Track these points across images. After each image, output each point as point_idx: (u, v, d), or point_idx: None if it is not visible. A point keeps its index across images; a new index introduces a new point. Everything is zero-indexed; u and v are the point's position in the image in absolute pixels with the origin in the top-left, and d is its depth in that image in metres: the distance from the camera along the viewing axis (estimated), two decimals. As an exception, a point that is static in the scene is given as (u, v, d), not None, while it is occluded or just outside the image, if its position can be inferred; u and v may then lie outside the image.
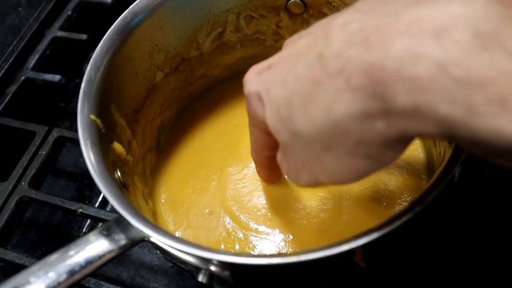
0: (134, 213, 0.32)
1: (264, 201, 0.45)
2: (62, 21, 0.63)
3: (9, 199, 0.49)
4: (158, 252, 0.44)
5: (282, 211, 0.44)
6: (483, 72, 0.20)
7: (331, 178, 0.29)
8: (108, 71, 0.39)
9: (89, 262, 0.31)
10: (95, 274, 0.45)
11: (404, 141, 0.25)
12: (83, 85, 0.37)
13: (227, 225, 0.44)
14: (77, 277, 0.30)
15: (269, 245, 0.42)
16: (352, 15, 0.26)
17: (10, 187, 0.50)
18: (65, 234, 0.53)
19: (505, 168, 0.23)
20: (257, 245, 0.42)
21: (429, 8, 0.22)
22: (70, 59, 0.62)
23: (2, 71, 0.59)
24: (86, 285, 0.44)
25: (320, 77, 0.25)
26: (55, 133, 0.54)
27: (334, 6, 0.46)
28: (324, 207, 0.44)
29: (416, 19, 0.22)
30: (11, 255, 0.46)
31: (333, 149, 0.26)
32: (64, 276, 0.30)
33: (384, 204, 0.44)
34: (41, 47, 0.61)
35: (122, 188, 0.37)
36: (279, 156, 0.32)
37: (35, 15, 0.63)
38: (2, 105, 0.57)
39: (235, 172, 0.47)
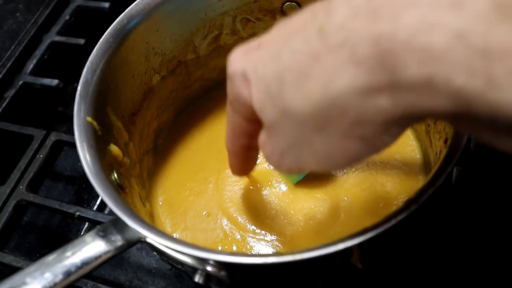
0: (130, 214, 0.32)
1: (262, 203, 0.45)
2: (59, 26, 0.63)
3: (7, 202, 0.50)
4: (155, 254, 0.44)
5: (279, 212, 0.44)
6: (505, 42, 0.19)
7: (317, 163, 0.27)
8: (105, 73, 0.40)
9: (85, 263, 0.31)
10: (93, 276, 0.45)
11: (404, 122, 0.24)
12: (79, 87, 0.38)
13: (225, 227, 0.44)
14: (73, 277, 0.30)
15: (266, 247, 0.42)
16: None
17: (8, 191, 0.50)
18: (63, 237, 0.53)
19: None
20: (254, 246, 0.42)
21: None
22: (68, 63, 0.62)
23: (0, 76, 0.59)
24: (84, 287, 0.44)
25: (319, 51, 0.23)
26: (53, 137, 0.54)
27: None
28: (321, 209, 0.44)
29: None
30: (8, 258, 0.46)
31: (326, 128, 0.25)
32: (60, 277, 0.30)
33: (381, 205, 0.44)
34: (39, 52, 0.61)
35: (119, 190, 0.37)
36: (262, 138, 0.30)
37: (33, 20, 0.63)
38: (0, 110, 0.57)
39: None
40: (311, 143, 0.26)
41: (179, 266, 0.34)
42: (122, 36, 0.41)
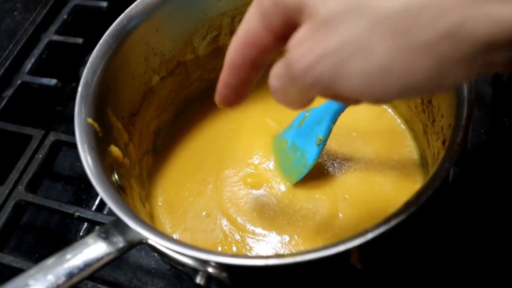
0: (131, 216, 0.32)
1: (261, 203, 0.45)
2: (58, 25, 0.63)
3: (6, 203, 0.50)
4: (155, 255, 0.44)
5: (278, 213, 0.44)
6: None
7: (361, 80, 0.22)
8: (105, 74, 0.40)
9: (87, 265, 0.31)
10: (92, 277, 0.45)
11: (498, 56, 0.20)
12: (80, 88, 0.38)
13: (224, 227, 0.44)
14: (75, 279, 0.30)
15: (266, 247, 0.42)
16: None
17: (7, 191, 0.50)
18: (62, 237, 0.53)
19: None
20: (254, 247, 0.43)
21: None
22: (66, 63, 0.62)
23: (-1, 75, 0.59)
24: (84, 288, 0.44)
25: None
26: (51, 137, 0.54)
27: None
28: (320, 209, 0.44)
29: None
30: (8, 259, 0.46)
31: (406, 35, 0.20)
32: (62, 279, 0.30)
33: (380, 205, 0.44)
34: (37, 51, 0.61)
35: (120, 191, 0.37)
36: (299, 35, 0.23)
37: (31, 19, 0.63)
38: (-1, 109, 0.57)
39: (232, 174, 0.47)
40: (374, 50, 0.21)
41: (180, 268, 0.34)
42: (122, 36, 0.41)
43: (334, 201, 0.45)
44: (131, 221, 0.32)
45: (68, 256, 0.31)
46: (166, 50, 0.46)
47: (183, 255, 0.31)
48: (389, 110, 0.50)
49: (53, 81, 0.58)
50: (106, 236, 0.32)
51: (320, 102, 0.44)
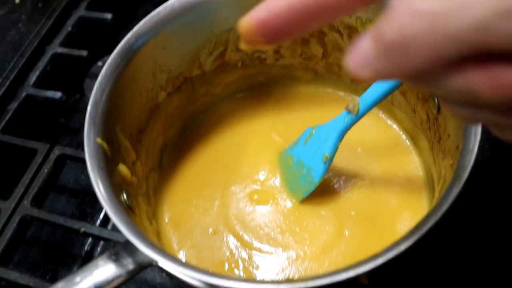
0: (142, 238, 0.32)
1: (267, 220, 0.45)
2: (62, 37, 0.63)
3: (12, 218, 0.49)
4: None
5: (285, 230, 0.44)
6: None
7: None
8: (114, 92, 0.40)
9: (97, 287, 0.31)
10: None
11: None
12: (89, 108, 0.38)
13: (231, 245, 0.44)
14: (86, 303, 0.30)
15: (272, 265, 0.42)
16: None
17: (12, 206, 0.50)
18: (66, 252, 0.53)
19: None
20: (260, 264, 0.43)
21: None
22: (70, 74, 0.62)
23: (3, 88, 0.59)
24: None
25: None
26: (56, 151, 0.54)
27: (334, 26, 0.46)
28: (326, 227, 0.44)
29: None
30: (14, 275, 0.46)
31: None
32: (73, 303, 0.30)
33: (385, 223, 0.44)
34: (41, 64, 0.61)
35: (129, 211, 0.37)
36: None
37: (36, 31, 0.63)
38: (3, 122, 0.57)
39: (238, 190, 0.47)
40: None
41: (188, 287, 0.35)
42: (131, 54, 0.41)
43: (340, 218, 0.45)
44: (141, 244, 0.32)
45: (78, 279, 0.31)
46: (173, 67, 0.46)
47: (193, 278, 0.31)
48: (394, 126, 0.50)
49: (58, 94, 0.58)
50: (116, 258, 0.32)
51: (328, 118, 0.45)
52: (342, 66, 0.37)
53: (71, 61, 0.62)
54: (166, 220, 0.46)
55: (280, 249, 0.43)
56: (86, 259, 0.51)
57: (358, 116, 0.43)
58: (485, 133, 0.51)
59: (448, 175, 0.38)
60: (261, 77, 0.52)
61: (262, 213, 0.45)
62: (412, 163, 0.48)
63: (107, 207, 0.33)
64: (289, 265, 0.43)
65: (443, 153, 0.41)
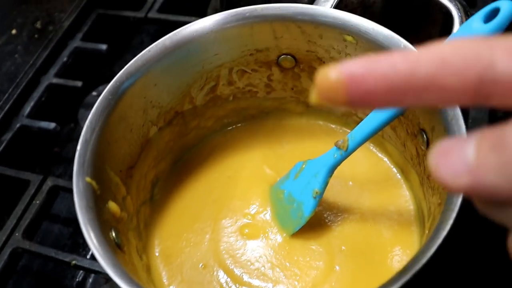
0: (127, 280, 0.32)
1: (258, 255, 0.45)
2: (57, 67, 0.64)
3: (2, 250, 0.50)
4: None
5: (275, 264, 0.44)
6: None
7: None
8: (104, 131, 0.40)
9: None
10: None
11: None
12: (79, 147, 0.38)
13: (221, 280, 0.44)
14: None
15: (262, 301, 0.42)
16: None
17: (4, 238, 0.50)
18: (58, 283, 0.53)
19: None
20: (250, 301, 0.43)
21: None
22: (65, 104, 0.63)
23: (-2, 118, 0.59)
24: None
25: None
26: (49, 182, 0.54)
27: (323, 62, 0.47)
28: (317, 262, 0.44)
29: None
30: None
31: None
32: None
33: (376, 257, 0.44)
34: (36, 94, 0.62)
35: (117, 249, 0.37)
36: None
37: (31, 62, 0.63)
38: (-2, 153, 0.58)
39: (229, 224, 0.47)
40: None
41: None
42: (121, 92, 0.42)
43: (331, 252, 0.45)
44: (126, 286, 0.32)
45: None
46: (164, 102, 0.46)
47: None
48: (385, 159, 0.50)
49: (52, 125, 0.59)
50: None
51: (317, 154, 0.45)
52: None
53: (66, 92, 0.63)
54: (157, 254, 0.46)
55: (271, 284, 0.43)
56: (77, 291, 0.51)
57: (348, 152, 0.43)
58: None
59: (437, 213, 0.38)
60: (253, 110, 0.53)
61: (253, 248, 0.45)
62: (403, 197, 0.48)
63: (94, 249, 0.33)
64: (279, 301, 0.43)
65: (433, 190, 0.41)
